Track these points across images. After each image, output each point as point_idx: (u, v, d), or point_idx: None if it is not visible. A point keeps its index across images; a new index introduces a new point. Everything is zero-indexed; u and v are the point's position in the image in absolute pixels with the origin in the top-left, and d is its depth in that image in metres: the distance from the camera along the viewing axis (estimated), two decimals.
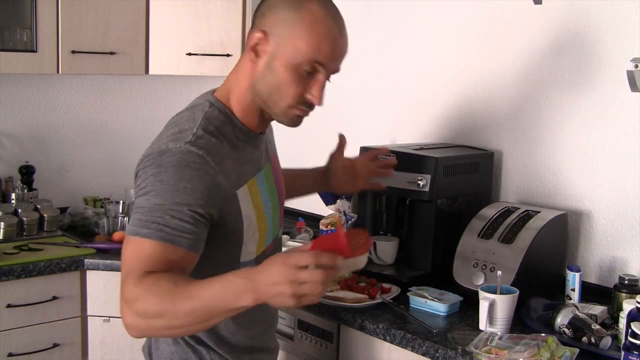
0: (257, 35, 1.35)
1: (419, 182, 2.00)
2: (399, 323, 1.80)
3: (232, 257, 1.45)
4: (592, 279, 2.06)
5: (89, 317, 2.40)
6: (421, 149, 2.14)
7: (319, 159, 2.49)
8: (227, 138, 1.40)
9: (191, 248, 1.31)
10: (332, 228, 2.23)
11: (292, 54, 1.34)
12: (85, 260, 2.36)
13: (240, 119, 1.44)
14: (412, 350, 1.71)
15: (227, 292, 1.22)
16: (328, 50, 1.35)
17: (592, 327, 1.66)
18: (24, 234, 2.53)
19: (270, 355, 1.65)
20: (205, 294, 1.23)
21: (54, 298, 2.31)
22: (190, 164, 1.31)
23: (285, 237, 2.40)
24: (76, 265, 2.34)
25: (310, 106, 1.40)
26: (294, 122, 1.43)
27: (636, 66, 1.82)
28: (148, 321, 1.25)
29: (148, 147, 1.39)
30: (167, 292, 1.24)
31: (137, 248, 1.28)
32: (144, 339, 1.56)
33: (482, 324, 1.73)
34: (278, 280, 1.18)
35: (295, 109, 1.39)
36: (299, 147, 3.00)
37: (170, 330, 1.28)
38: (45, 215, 2.59)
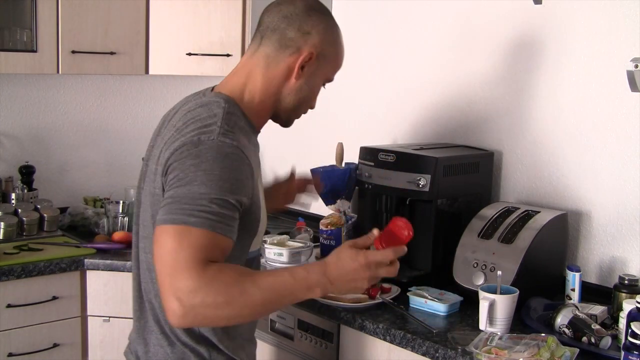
0: (311, 55, 1.48)
1: (419, 182, 2.01)
2: (399, 323, 1.80)
3: (245, 247, 1.47)
4: (592, 279, 2.06)
5: (89, 317, 2.40)
6: (421, 149, 2.14)
7: (318, 158, 2.48)
8: (244, 133, 1.43)
9: (234, 237, 1.32)
10: (332, 228, 2.23)
11: (328, 73, 1.54)
12: (85, 260, 2.36)
13: (252, 118, 1.49)
14: (412, 350, 1.71)
15: (300, 286, 1.32)
16: (341, 66, 1.58)
17: (592, 327, 1.66)
18: (24, 234, 2.53)
19: (255, 347, 1.67)
20: (276, 285, 1.30)
21: (54, 298, 2.31)
22: (229, 155, 1.33)
23: (285, 237, 2.40)
24: (76, 265, 2.34)
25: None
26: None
27: (636, 66, 1.82)
28: (210, 310, 1.25)
29: (171, 141, 1.38)
30: (235, 281, 1.26)
31: (185, 237, 1.26)
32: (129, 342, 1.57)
33: (482, 324, 1.73)
34: (359, 277, 1.35)
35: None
36: (300, 146, 3.01)
37: (233, 319, 1.33)
38: (45, 215, 2.59)
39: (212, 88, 1.53)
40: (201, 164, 1.31)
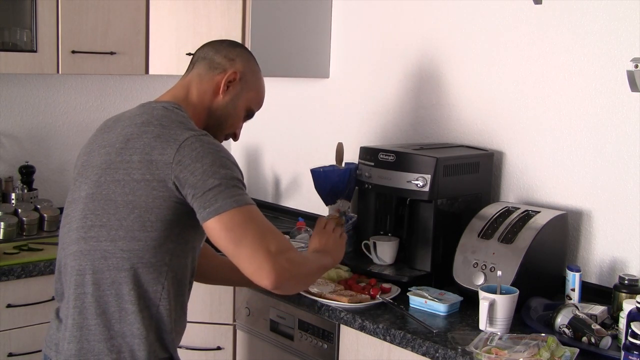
0: (235, 75, 1.69)
1: (419, 182, 2.01)
2: (399, 323, 1.80)
3: (203, 235, 1.61)
4: (592, 279, 2.06)
5: None
6: (421, 148, 2.14)
7: (318, 158, 2.48)
8: None
9: None
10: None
11: (250, 101, 1.74)
12: None
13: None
14: (412, 350, 1.71)
15: (326, 263, 1.73)
16: (261, 105, 1.80)
17: (592, 327, 1.67)
18: (24, 234, 2.53)
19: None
20: (316, 257, 1.71)
21: (54, 298, 2.31)
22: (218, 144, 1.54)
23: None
24: None
25: (227, 139, 1.77)
26: None
27: (636, 66, 1.82)
28: (297, 267, 1.52)
29: (164, 139, 1.50)
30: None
31: (255, 213, 1.48)
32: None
33: (482, 324, 1.73)
34: (331, 241, 1.78)
35: (224, 138, 1.75)
36: (300, 146, 3.01)
37: (306, 278, 1.65)
38: (45, 215, 2.59)
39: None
40: (219, 152, 1.49)
